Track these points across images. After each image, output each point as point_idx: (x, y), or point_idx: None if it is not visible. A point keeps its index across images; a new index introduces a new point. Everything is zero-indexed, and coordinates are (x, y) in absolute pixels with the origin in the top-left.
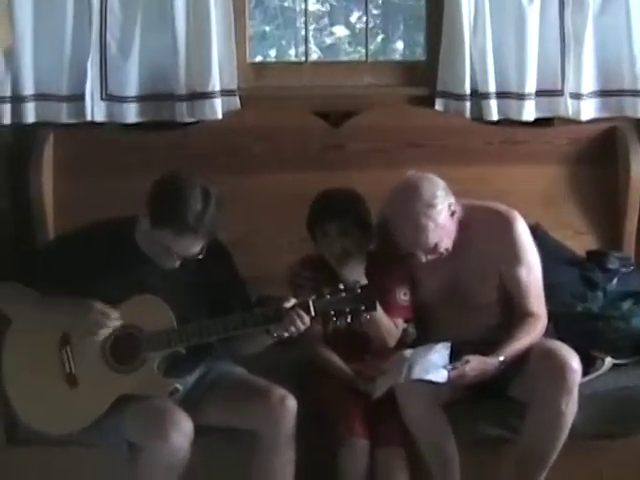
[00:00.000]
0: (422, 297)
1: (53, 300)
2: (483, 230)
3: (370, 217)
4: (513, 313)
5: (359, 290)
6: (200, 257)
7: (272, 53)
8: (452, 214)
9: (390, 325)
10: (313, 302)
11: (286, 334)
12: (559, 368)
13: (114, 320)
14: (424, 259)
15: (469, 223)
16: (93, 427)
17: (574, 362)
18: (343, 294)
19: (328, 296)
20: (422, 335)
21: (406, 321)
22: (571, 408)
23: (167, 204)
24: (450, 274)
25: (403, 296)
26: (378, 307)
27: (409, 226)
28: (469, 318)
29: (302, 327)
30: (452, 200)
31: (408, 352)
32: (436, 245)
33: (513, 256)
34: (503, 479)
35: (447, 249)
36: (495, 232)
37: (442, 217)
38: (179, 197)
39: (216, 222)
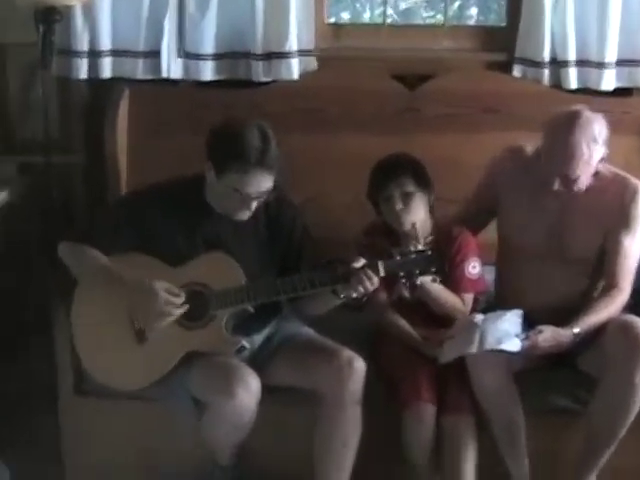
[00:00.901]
0: (522, 241)
1: (120, 266)
2: (605, 189)
3: (428, 176)
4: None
5: (429, 252)
6: (270, 204)
7: (346, 16)
8: (601, 160)
9: (454, 301)
10: (383, 263)
11: (354, 294)
12: (635, 342)
13: (179, 308)
14: (556, 186)
15: (594, 179)
16: (160, 383)
17: None
18: (413, 255)
19: (398, 257)
20: (502, 290)
21: (477, 295)
22: None
23: (227, 146)
24: (557, 222)
25: (472, 269)
26: (436, 285)
27: (566, 148)
28: (560, 275)
29: (370, 287)
30: (606, 150)
31: (479, 318)
32: (576, 180)
33: (625, 222)
34: (571, 451)
35: (580, 187)
36: (616, 194)
37: (596, 156)
38: (237, 137)
39: (278, 157)
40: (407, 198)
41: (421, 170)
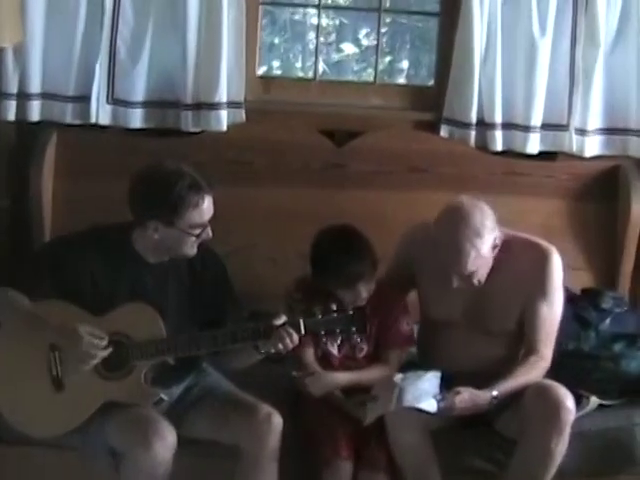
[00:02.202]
0: (439, 316)
1: (43, 311)
2: (518, 259)
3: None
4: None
5: (351, 311)
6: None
7: (277, 64)
8: (494, 247)
9: (369, 376)
10: (304, 320)
11: (274, 351)
12: (554, 406)
13: (103, 351)
14: (455, 284)
15: (506, 251)
16: (77, 432)
17: (569, 402)
18: (334, 314)
19: (319, 316)
20: (423, 356)
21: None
22: (561, 448)
23: (172, 190)
24: (476, 298)
25: (406, 326)
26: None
27: (452, 249)
28: (479, 345)
29: (290, 345)
30: (497, 234)
31: (398, 377)
32: (472, 274)
33: (541, 290)
34: None
35: (480, 281)
36: (530, 263)
37: (485, 248)
38: (176, 177)
39: None
40: (368, 284)
41: (370, 247)
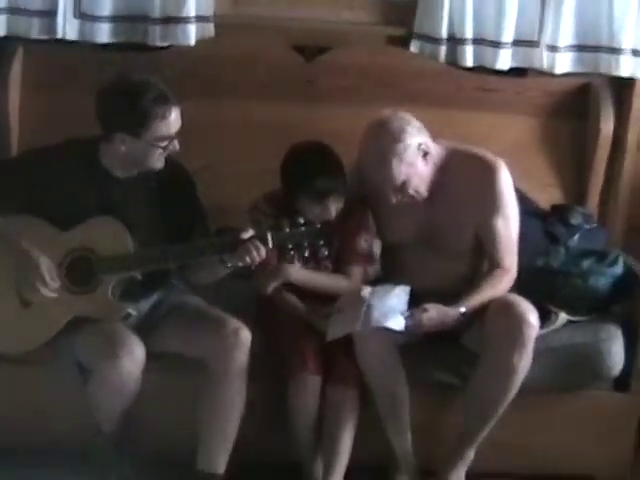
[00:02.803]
0: (394, 239)
1: (11, 226)
2: (465, 175)
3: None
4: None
5: (318, 225)
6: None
7: None
8: (424, 155)
9: (331, 283)
10: (271, 234)
11: (241, 264)
12: (516, 322)
13: (51, 290)
14: (394, 199)
15: (450, 167)
16: (45, 347)
17: (532, 317)
18: (302, 228)
19: (287, 229)
20: (387, 275)
21: (367, 267)
22: (524, 363)
23: (139, 101)
24: (426, 217)
25: (364, 242)
26: (304, 273)
27: (375, 161)
28: (439, 265)
29: (258, 258)
30: (424, 140)
31: (366, 291)
32: (404, 184)
33: (492, 205)
34: (451, 425)
35: (417, 191)
36: (477, 179)
37: (409, 153)
38: (144, 88)
39: None
40: (338, 201)
41: (341, 164)
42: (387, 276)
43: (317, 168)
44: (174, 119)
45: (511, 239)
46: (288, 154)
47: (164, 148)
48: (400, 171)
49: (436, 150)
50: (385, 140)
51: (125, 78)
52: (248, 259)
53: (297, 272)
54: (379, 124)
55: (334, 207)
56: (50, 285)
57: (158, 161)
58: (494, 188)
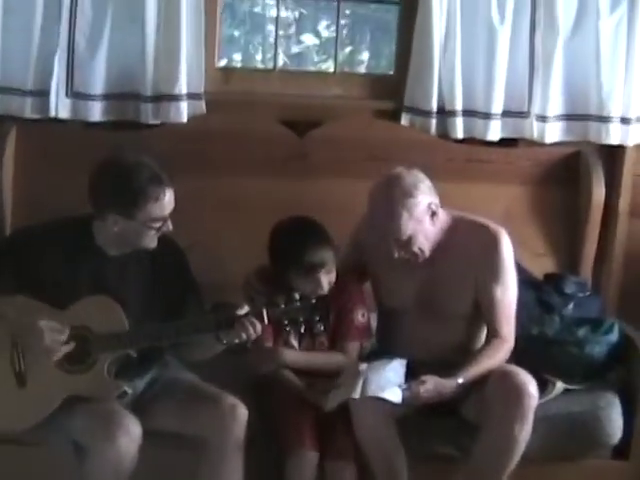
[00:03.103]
0: (393, 304)
1: (3, 306)
2: (467, 242)
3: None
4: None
5: (314, 300)
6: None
7: (237, 57)
8: (432, 215)
9: (329, 360)
10: (267, 310)
11: (237, 341)
12: (516, 392)
13: (64, 345)
14: (396, 254)
15: (454, 232)
16: (40, 427)
17: (532, 387)
18: (298, 303)
19: (282, 305)
20: (384, 344)
21: (363, 342)
22: (525, 434)
23: (133, 184)
24: (426, 281)
25: (361, 317)
26: (299, 355)
27: (384, 212)
28: (437, 332)
29: (253, 335)
30: (434, 200)
31: (363, 366)
32: (409, 239)
33: (492, 272)
34: None
35: (421, 249)
36: (479, 246)
37: (419, 210)
38: (137, 169)
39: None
40: (329, 273)
41: (329, 237)
42: (384, 343)
43: (304, 243)
44: (167, 200)
45: (509, 308)
46: (274, 231)
47: (158, 229)
48: (408, 226)
49: (442, 214)
50: (397, 193)
51: (118, 159)
52: (244, 336)
53: (291, 355)
54: (393, 177)
55: (326, 280)
56: (60, 339)
57: (152, 241)
58: (496, 256)
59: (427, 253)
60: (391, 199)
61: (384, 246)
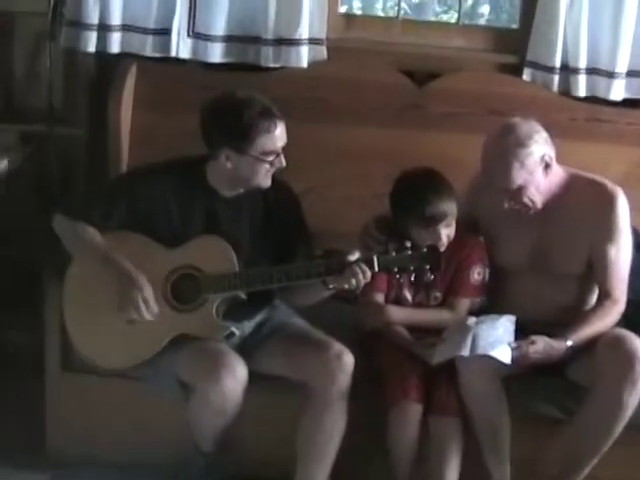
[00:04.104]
0: (505, 262)
1: (117, 244)
2: (583, 199)
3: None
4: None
5: (425, 249)
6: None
7: (357, 4)
8: (546, 167)
9: (435, 317)
10: (377, 257)
11: (346, 286)
12: (627, 358)
13: (149, 315)
14: (506, 204)
15: (569, 189)
16: (147, 364)
17: None
18: (409, 252)
19: (393, 253)
20: (493, 302)
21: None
22: (633, 399)
23: (244, 116)
24: (540, 238)
25: (477, 275)
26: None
27: (496, 162)
28: (548, 292)
29: (363, 281)
30: (549, 152)
31: (472, 321)
32: (520, 189)
33: (607, 232)
34: (552, 460)
35: (532, 200)
36: (594, 204)
37: (531, 161)
38: (248, 103)
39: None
40: (449, 227)
41: (452, 190)
42: (493, 302)
43: (427, 194)
44: (279, 133)
45: (623, 269)
46: (398, 180)
47: (270, 163)
48: (518, 176)
49: (558, 169)
50: (510, 142)
51: (228, 94)
52: (354, 282)
53: (398, 313)
54: (508, 126)
55: (445, 233)
56: (149, 310)
57: (265, 178)
58: (612, 215)
59: (539, 205)
60: (503, 148)
61: (495, 196)
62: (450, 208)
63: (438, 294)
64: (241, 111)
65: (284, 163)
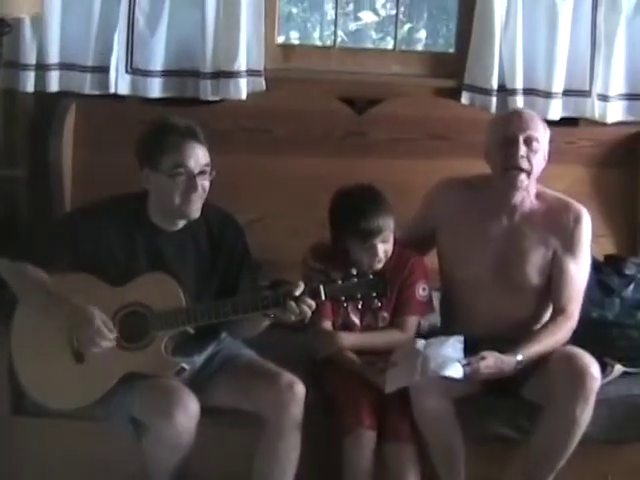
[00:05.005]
0: (465, 273)
1: (63, 284)
2: (550, 214)
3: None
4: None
5: (371, 276)
6: (213, 222)
7: (295, 35)
8: (546, 156)
9: (385, 339)
10: (324, 287)
11: (294, 319)
12: (579, 374)
13: (109, 342)
14: (521, 151)
15: (538, 203)
16: (99, 403)
17: (594, 369)
18: (355, 280)
19: (339, 281)
20: (445, 319)
21: (423, 317)
22: (586, 415)
23: (154, 137)
24: (505, 248)
25: (422, 292)
26: (355, 337)
27: (516, 115)
28: (506, 303)
29: (309, 312)
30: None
31: (421, 344)
32: (536, 144)
33: (569, 248)
34: (508, 478)
35: (533, 166)
36: (562, 219)
37: (546, 133)
38: (161, 126)
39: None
40: (385, 242)
41: (388, 205)
42: (446, 318)
43: (362, 208)
44: (191, 151)
45: (579, 287)
46: (334, 197)
47: (187, 184)
48: (539, 128)
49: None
50: (524, 118)
51: (157, 119)
52: (300, 314)
53: (349, 338)
54: (515, 109)
55: (382, 249)
56: (108, 336)
57: (191, 205)
58: (577, 232)
59: (534, 177)
60: (524, 112)
61: (511, 149)
62: (386, 223)
63: (385, 314)
64: (155, 132)
65: (206, 185)
